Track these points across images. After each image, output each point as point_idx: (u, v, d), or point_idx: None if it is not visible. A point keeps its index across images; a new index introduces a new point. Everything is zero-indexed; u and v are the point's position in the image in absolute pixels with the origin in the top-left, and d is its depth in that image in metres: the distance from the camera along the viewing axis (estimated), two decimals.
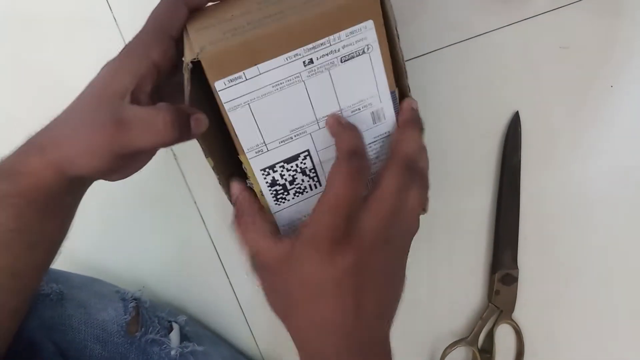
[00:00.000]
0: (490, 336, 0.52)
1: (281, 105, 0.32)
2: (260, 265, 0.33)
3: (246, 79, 0.30)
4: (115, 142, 0.30)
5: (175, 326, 0.48)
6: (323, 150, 0.35)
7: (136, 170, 0.36)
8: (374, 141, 0.36)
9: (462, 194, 0.51)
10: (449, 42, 0.48)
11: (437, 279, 0.52)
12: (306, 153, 0.34)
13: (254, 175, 0.34)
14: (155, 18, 0.34)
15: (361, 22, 0.31)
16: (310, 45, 0.30)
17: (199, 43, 0.30)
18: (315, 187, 0.36)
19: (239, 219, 0.34)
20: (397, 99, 0.35)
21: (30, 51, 0.50)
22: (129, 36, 0.45)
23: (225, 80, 0.30)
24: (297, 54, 0.30)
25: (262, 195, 0.35)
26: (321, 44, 0.30)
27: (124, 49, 0.33)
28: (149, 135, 0.30)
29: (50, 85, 0.50)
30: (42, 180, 0.31)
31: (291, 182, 0.35)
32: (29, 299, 0.34)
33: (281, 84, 0.31)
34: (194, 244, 0.52)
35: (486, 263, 0.52)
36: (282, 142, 0.34)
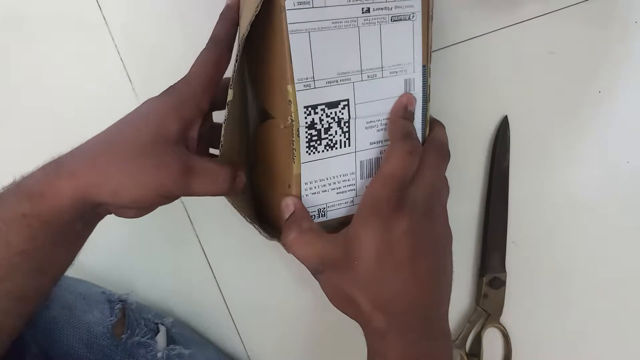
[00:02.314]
0: (478, 340, 0.52)
1: (335, 45, 0.34)
2: (326, 268, 0.35)
3: (312, 7, 0.32)
4: (176, 186, 0.32)
5: (162, 328, 0.48)
6: (360, 104, 0.36)
7: (152, 209, 0.37)
8: None
9: (450, 197, 0.49)
10: (438, 46, 0.48)
11: None
12: (346, 102, 0.36)
13: (296, 111, 0.34)
14: (205, 64, 0.36)
15: None
16: None
17: None
18: (344, 146, 0.37)
19: (296, 232, 0.35)
20: (427, 75, 0.37)
21: (19, 52, 0.49)
22: (119, 37, 0.45)
23: (295, 0, 0.32)
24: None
25: (298, 137, 0.35)
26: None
27: (172, 90, 0.35)
28: (210, 186, 0.34)
29: (40, 86, 0.50)
30: (63, 204, 0.31)
31: (326, 131, 0.36)
32: (27, 320, 0.34)
33: (340, 22, 0.33)
34: (181, 246, 0.52)
35: (474, 266, 0.52)
36: (328, 82, 0.35)
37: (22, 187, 0.32)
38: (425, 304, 0.34)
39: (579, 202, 0.50)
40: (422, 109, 0.38)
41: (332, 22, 0.33)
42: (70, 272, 0.45)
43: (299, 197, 0.36)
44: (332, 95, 0.35)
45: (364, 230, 0.33)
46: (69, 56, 0.49)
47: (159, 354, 0.45)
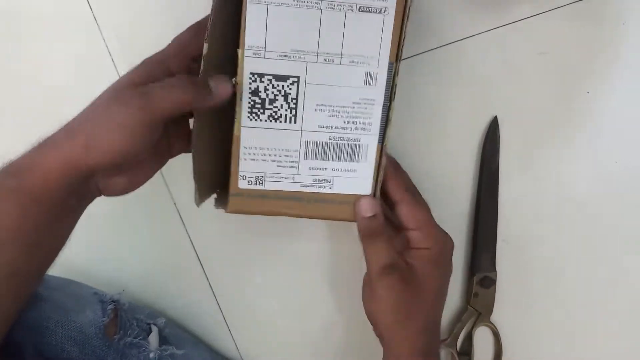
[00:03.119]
0: (469, 338, 0.52)
1: (293, 22, 0.35)
2: (396, 273, 0.40)
3: None
4: (141, 111, 0.32)
5: (154, 329, 0.48)
6: (312, 85, 0.37)
7: (139, 182, 0.38)
8: (359, 103, 0.38)
9: (441, 197, 0.51)
10: (428, 47, 0.48)
11: None
12: (296, 79, 0.37)
13: (242, 74, 0.36)
14: (179, 39, 0.37)
15: None
16: None
17: None
18: (290, 122, 0.38)
19: (381, 230, 0.40)
20: (393, 73, 0.37)
21: (8, 50, 0.49)
22: (109, 35, 0.45)
23: None
24: None
25: (240, 100, 0.37)
26: None
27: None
28: (170, 95, 0.33)
29: (30, 84, 0.49)
30: (51, 176, 0.31)
31: (271, 102, 0.37)
32: (22, 303, 0.34)
33: (302, 2, 0.34)
34: (173, 246, 0.52)
35: (465, 266, 0.52)
36: (280, 56, 0.36)
37: (10, 166, 0.32)
38: (438, 329, 0.44)
39: (569, 201, 0.51)
40: (383, 107, 0.38)
41: (294, 0, 0.35)
42: (62, 273, 0.46)
43: (237, 158, 0.38)
44: (281, 69, 0.36)
45: (437, 269, 0.42)
46: (60, 55, 0.49)
47: (152, 355, 0.45)
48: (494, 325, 0.52)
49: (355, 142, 0.39)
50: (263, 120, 0.37)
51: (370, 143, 0.39)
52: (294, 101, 0.37)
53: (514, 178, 0.50)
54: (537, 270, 0.52)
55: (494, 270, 0.51)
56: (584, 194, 0.51)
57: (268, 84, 0.37)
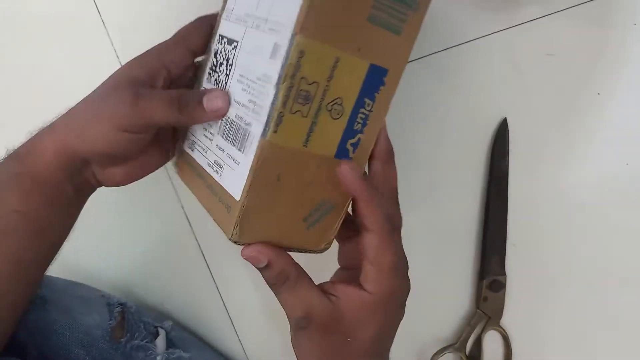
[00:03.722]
0: (478, 342, 0.52)
1: None
2: (312, 325, 0.33)
3: None
4: (131, 112, 0.33)
5: (161, 332, 0.48)
6: (243, 53, 0.33)
7: (138, 175, 0.38)
8: (261, 79, 0.31)
9: (450, 200, 0.51)
10: (437, 48, 0.48)
11: (425, 286, 0.51)
12: (236, 44, 0.34)
13: (214, 36, 0.37)
14: (179, 32, 0.38)
15: None
16: None
17: None
18: (223, 89, 0.35)
19: (291, 281, 0.33)
20: (291, 47, 0.29)
21: (16, 51, 0.50)
22: (116, 35, 0.46)
23: None
24: None
25: (207, 61, 0.37)
26: None
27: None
28: (161, 110, 0.33)
29: (37, 85, 0.50)
30: (49, 160, 0.33)
31: (219, 65, 0.36)
32: (29, 293, 0.35)
33: None
34: (180, 249, 0.52)
35: (474, 269, 0.52)
36: (237, 19, 0.34)
37: (14, 152, 0.34)
38: (388, 349, 0.37)
39: (579, 204, 0.51)
40: (276, 88, 0.29)
41: None
42: (70, 275, 0.46)
43: None
44: (232, 32, 0.35)
45: (372, 319, 0.34)
46: (67, 56, 0.50)
47: (159, 358, 0.46)
48: (504, 330, 0.52)
49: (247, 127, 0.31)
50: (211, 84, 0.36)
51: (255, 133, 0.31)
52: (230, 68, 0.34)
53: (524, 181, 0.50)
54: (547, 274, 0.52)
55: (504, 273, 0.51)
56: (594, 196, 0.51)
57: (222, 48, 0.35)
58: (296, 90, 0.29)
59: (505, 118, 0.49)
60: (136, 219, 0.51)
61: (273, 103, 0.29)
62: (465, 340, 0.52)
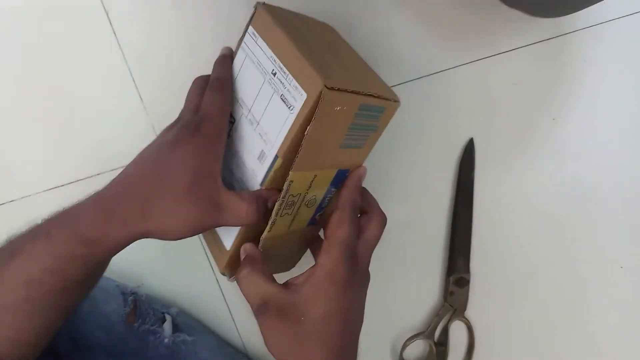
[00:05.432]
0: (445, 331, 0.55)
1: (251, 77, 0.37)
2: (270, 310, 0.34)
3: (256, 43, 0.37)
4: (208, 221, 0.34)
5: (168, 317, 0.50)
6: (237, 133, 0.39)
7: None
8: (253, 170, 0.38)
9: (422, 207, 0.54)
10: (414, 76, 0.52)
11: (399, 281, 0.55)
12: (233, 120, 0.39)
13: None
14: (219, 103, 0.37)
15: (303, 89, 0.33)
16: (280, 66, 0.35)
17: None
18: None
19: (247, 269, 0.36)
20: (273, 167, 0.36)
21: (22, 46, 0.51)
22: (121, 32, 0.47)
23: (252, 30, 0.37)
24: (275, 62, 0.35)
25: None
26: (284, 72, 0.34)
27: (196, 131, 0.35)
28: (234, 220, 0.35)
29: (40, 80, 0.52)
30: (117, 247, 0.34)
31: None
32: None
33: (259, 64, 0.37)
34: (185, 245, 0.49)
35: (442, 267, 0.55)
36: (237, 100, 0.39)
37: (77, 232, 0.33)
38: (355, 340, 0.37)
39: (537, 212, 0.54)
40: (260, 185, 0.37)
41: (256, 63, 0.37)
42: None
43: None
44: (234, 111, 0.39)
45: (321, 295, 0.34)
46: (71, 51, 0.51)
47: (166, 340, 0.49)
48: (468, 320, 0.55)
49: None
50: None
51: None
52: (229, 139, 0.40)
53: (488, 191, 0.54)
54: (506, 272, 0.55)
55: (468, 272, 0.54)
56: (551, 206, 0.54)
57: (230, 122, 0.40)
58: (285, 203, 0.36)
59: (472, 138, 0.53)
60: None
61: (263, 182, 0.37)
62: (434, 329, 0.55)
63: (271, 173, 0.36)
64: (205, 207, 0.34)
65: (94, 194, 0.35)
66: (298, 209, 0.38)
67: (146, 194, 0.34)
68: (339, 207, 0.37)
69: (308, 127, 0.33)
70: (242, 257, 0.38)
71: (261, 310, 0.34)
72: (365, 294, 0.38)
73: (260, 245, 0.38)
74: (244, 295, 0.36)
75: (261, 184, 0.37)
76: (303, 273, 0.37)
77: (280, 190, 0.36)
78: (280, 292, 0.35)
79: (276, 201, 0.36)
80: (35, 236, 0.33)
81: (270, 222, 0.37)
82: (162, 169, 0.35)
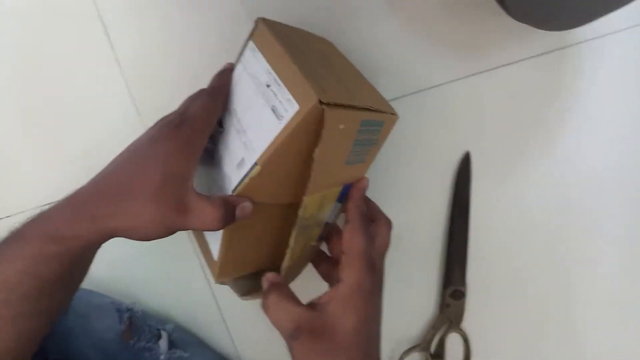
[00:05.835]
0: (441, 343, 0.55)
1: (245, 88, 0.38)
2: (303, 334, 0.34)
3: (253, 57, 0.38)
4: (175, 223, 0.34)
5: (164, 334, 0.50)
6: (224, 142, 0.39)
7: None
8: (229, 177, 0.37)
9: (419, 220, 0.54)
10: (412, 90, 0.52)
11: (395, 293, 0.53)
12: (222, 130, 0.40)
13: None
14: (205, 108, 0.37)
15: (296, 101, 0.33)
16: (275, 78, 0.35)
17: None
18: (208, 165, 0.40)
19: (275, 296, 0.36)
20: (249, 174, 0.35)
21: (11, 43, 0.51)
22: (112, 27, 0.47)
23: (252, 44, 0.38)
24: (270, 74, 0.35)
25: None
26: (279, 84, 0.34)
27: (176, 132, 0.35)
28: (200, 224, 0.35)
29: (29, 75, 0.52)
30: (86, 244, 0.33)
31: (212, 140, 0.40)
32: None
33: (255, 76, 0.37)
34: (180, 259, 0.54)
35: (439, 280, 0.55)
36: (229, 110, 0.39)
37: (46, 230, 0.33)
38: (378, 342, 0.38)
39: (533, 225, 0.55)
40: (232, 191, 0.37)
41: (252, 75, 0.37)
42: (84, 284, 0.49)
43: None
44: (224, 120, 0.40)
45: (350, 309, 0.35)
46: (61, 47, 0.51)
47: (162, 357, 0.49)
48: (464, 332, 0.55)
49: None
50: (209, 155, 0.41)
51: None
52: (214, 147, 0.40)
53: (484, 204, 0.54)
54: (502, 285, 0.55)
55: (464, 284, 0.54)
56: (546, 220, 0.55)
57: (218, 125, 0.40)
58: (300, 227, 0.38)
59: (468, 151, 0.53)
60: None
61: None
62: (430, 341, 0.55)
63: (246, 180, 0.35)
64: (171, 209, 0.33)
65: (70, 193, 0.35)
66: (312, 230, 0.39)
67: (116, 192, 0.34)
68: (350, 220, 0.38)
69: (316, 150, 0.33)
70: (265, 286, 0.38)
71: (294, 336, 0.35)
72: (382, 298, 0.39)
73: (282, 274, 0.39)
74: (272, 322, 0.36)
75: (233, 190, 0.36)
76: (326, 292, 0.37)
77: (251, 200, 0.36)
78: (310, 315, 0.35)
79: (246, 210, 0.36)
80: (10, 239, 0.33)
81: (289, 251, 0.38)
82: (136, 167, 0.35)
